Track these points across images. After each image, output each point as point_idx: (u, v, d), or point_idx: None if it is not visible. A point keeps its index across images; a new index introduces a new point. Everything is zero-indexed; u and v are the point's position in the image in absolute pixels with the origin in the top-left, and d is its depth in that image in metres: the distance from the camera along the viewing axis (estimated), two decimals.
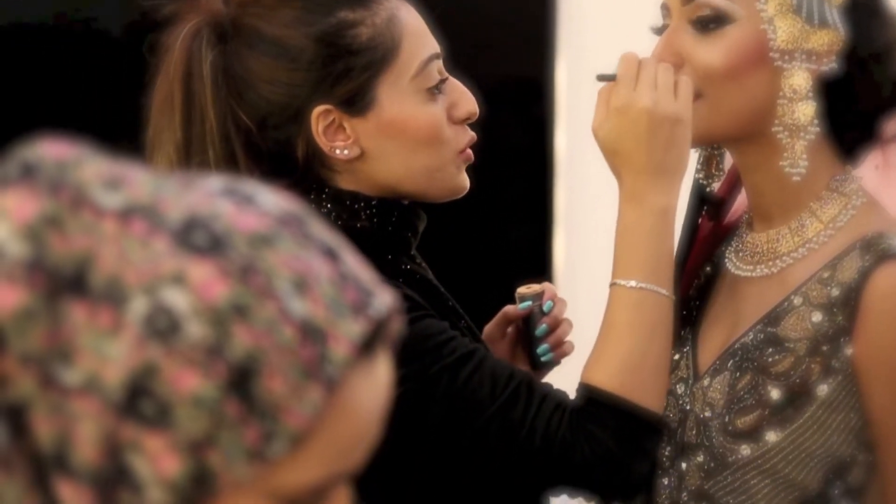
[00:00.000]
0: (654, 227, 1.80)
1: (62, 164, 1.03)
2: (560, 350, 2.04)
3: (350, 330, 1.01)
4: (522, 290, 2.05)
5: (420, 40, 1.83)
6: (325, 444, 1.01)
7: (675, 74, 1.80)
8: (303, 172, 1.82)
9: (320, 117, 1.79)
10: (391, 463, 1.64)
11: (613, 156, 1.82)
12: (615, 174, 1.83)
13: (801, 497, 1.77)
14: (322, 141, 1.80)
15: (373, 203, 1.83)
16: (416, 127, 1.81)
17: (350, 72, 1.78)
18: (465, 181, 1.88)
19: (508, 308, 2.04)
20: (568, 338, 2.05)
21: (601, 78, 1.84)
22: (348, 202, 1.82)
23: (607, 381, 1.74)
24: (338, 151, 1.80)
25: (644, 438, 1.74)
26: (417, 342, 1.71)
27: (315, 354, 1.00)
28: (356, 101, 1.79)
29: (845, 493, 1.78)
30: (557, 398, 1.75)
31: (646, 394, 1.74)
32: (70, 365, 0.99)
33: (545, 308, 2.03)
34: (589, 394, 1.74)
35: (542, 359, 2.03)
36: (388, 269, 1.77)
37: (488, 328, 2.05)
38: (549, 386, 1.80)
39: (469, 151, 1.88)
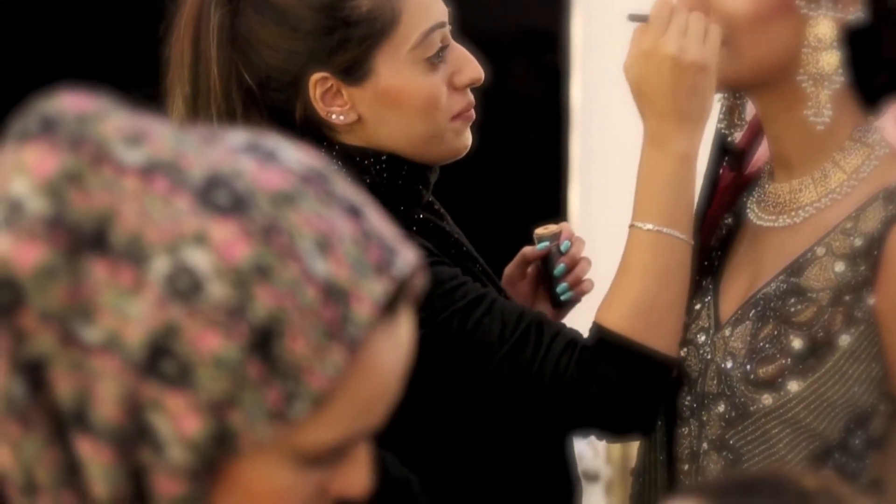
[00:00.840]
0: (675, 172, 1.79)
1: (83, 117, 1.00)
2: (579, 288, 2.03)
3: (373, 290, 0.99)
4: (540, 230, 2.04)
5: (423, 11, 1.82)
6: (346, 404, 0.99)
7: (707, 22, 1.78)
8: (302, 132, 1.81)
9: (318, 83, 1.80)
10: (408, 408, 1.60)
11: (639, 97, 1.82)
12: (641, 116, 1.83)
13: (822, 446, 1.75)
14: (319, 106, 1.81)
15: (382, 158, 1.83)
16: (411, 97, 1.82)
17: (347, 42, 1.79)
18: (466, 142, 1.88)
19: (526, 249, 2.04)
20: (587, 276, 2.04)
21: (632, 18, 1.83)
22: (357, 158, 1.82)
23: (618, 322, 1.74)
24: (334, 116, 1.81)
25: (652, 380, 1.74)
26: (428, 288, 1.68)
27: (337, 315, 0.97)
28: (353, 71, 1.80)
29: (866, 442, 1.76)
30: (568, 337, 1.75)
31: (656, 336, 1.74)
32: (91, 323, 0.97)
33: (562, 248, 2.03)
34: (600, 334, 1.74)
35: (562, 297, 2.02)
36: (401, 221, 1.73)
37: (508, 269, 2.05)
38: (561, 325, 1.80)
39: (471, 112, 1.87)
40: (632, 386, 1.72)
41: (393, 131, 1.82)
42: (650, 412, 1.75)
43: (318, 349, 0.97)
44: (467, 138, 1.87)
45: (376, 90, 1.80)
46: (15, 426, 0.98)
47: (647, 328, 1.73)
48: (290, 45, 1.79)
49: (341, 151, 1.82)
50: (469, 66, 1.86)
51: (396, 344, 1.02)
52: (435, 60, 1.82)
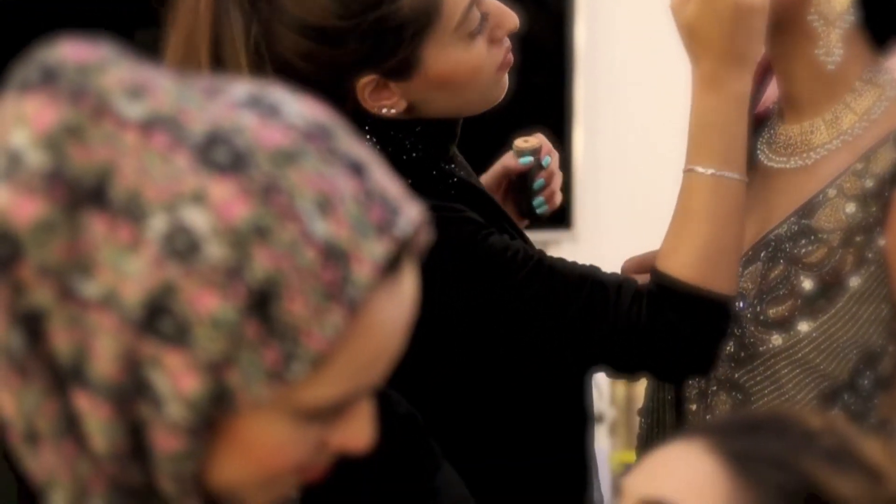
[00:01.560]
0: (732, 113, 1.74)
1: (84, 68, 0.97)
2: (552, 202, 2.05)
3: (374, 251, 0.96)
4: (519, 142, 2.03)
5: None
6: (346, 363, 0.97)
7: None
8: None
9: (366, 86, 1.72)
10: (480, 377, 1.68)
11: (692, 38, 1.75)
12: (690, 56, 1.77)
13: (831, 387, 1.74)
14: (368, 104, 1.74)
15: (417, 130, 1.77)
16: (460, 73, 1.76)
17: (396, 47, 1.71)
18: (505, 87, 1.83)
19: (508, 162, 2.02)
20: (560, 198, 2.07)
21: None
22: (392, 132, 1.77)
23: (685, 270, 1.70)
24: (384, 111, 1.74)
25: (718, 323, 1.72)
26: (487, 264, 1.69)
27: (337, 277, 0.95)
28: (402, 69, 1.73)
29: (874, 383, 1.74)
30: (633, 288, 1.72)
31: (722, 280, 1.71)
32: (89, 278, 0.95)
33: (544, 163, 2.03)
34: (666, 282, 1.71)
35: (538, 211, 2.04)
36: (439, 185, 1.75)
37: (486, 179, 2.03)
38: (618, 276, 1.77)
39: (510, 57, 1.82)
40: (700, 331, 1.70)
41: (440, 106, 1.78)
42: (713, 354, 1.73)
43: (316, 311, 0.94)
44: (506, 83, 1.83)
45: (426, 78, 1.74)
46: (14, 377, 0.97)
47: (713, 273, 1.70)
48: (332, 57, 1.70)
49: (374, 127, 1.76)
50: (505, 18, 1.80)
51: (398, 303, 0.99)
52: (477, 31, 1.76)
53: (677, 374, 1.77)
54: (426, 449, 1.38)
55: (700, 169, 1.74)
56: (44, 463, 0.98)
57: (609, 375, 1.90)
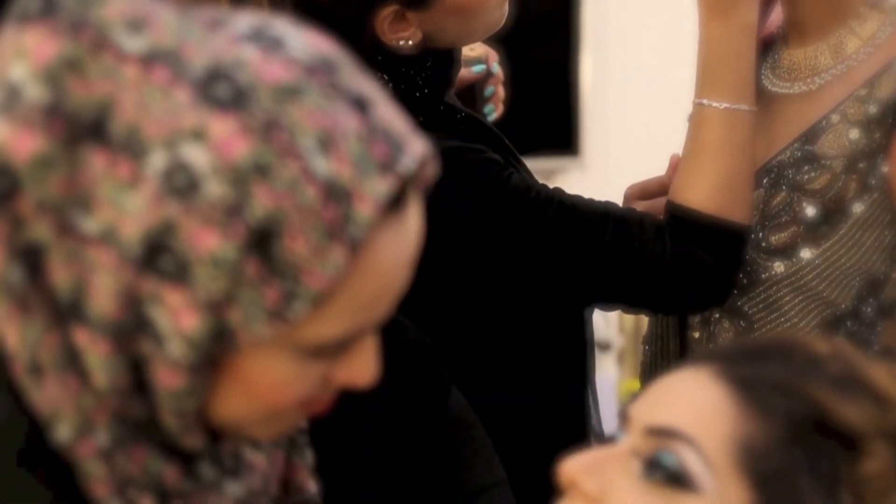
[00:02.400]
0: (741, 44, 1.72)
1: None
2: (499, 108, 2.05)
3: (376, 189, 0.94)
4: (467, 52, 2.01)
5: None
6: (348, 301, 0.96)
7: None
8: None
9: (386, 17, 1.71)
10: (491, 311, 1.67)
11: None
12: None
13: (834, 314, 1.72)
14: (387, 37, 1.72)
15: (427, 65, 1.75)
16: None
17: None
18: (506, 13, 1.82)
19: (462, 72, 1.99)
20: None
21: None
22: (403, 69, 1.75)
23: (704, 202, 1.70)
24: (402, 43, 1.73)
25: (737, 252, 1.72)
26: (513, 205, 1.69)
27: (338, 215, 0.93)
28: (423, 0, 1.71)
29: (878, 310, 1.73)
30: (654, 222, 1.72)
31: (738, 209, 1.70)
32: (88, 214, 0.93)
33: (493, 70, 2.03)
34: (687, 215, 1.71)
35: (489, 118, 2.04)
36: (448, 120, 1.73)
37: None
38: (631, 210, 1.77)
39: None
40: (722, 262, 1.70)
41: (451, 36, 1.77)
42: (732, 285, 1.73)
43: (317, 249, 0.93)
44: (507, 9, 1.82)
45: (443, 6, 1.72)
46: (15, 310, 0.96)
47: (730, 203, 1.69)
48: None
49: (384, 63, 1.73)
50: None
51: (402, 240, 0.98)
52: None
53: (698, 306, 1.76)
54: (435, 374, 1.38)
55: (713, 103, 1.72)
56: (47, 395, 0.97)
57: (626, 311, 1.90)
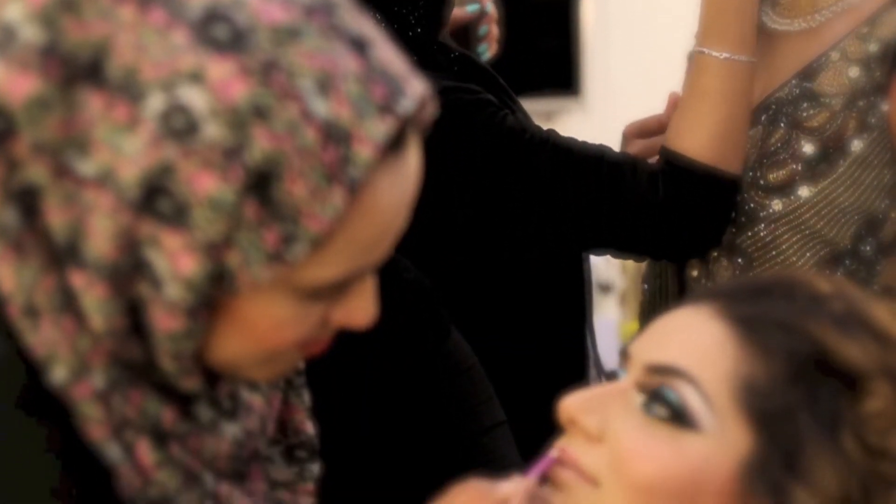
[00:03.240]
0: None
1: None
2: (493, 48, 2.04)
3: (375, 130, 0.93)
4: None
5: None
6: (347, 243, 0.95)
7: None
8: None
9: None
10: (488, 253, 1.66)
11: None
12: None
13: (832, 253, 1.72)
14: None
15: (420, 4, 1.74)
16: None
17: None
18: None
19: (456, 11, 1.99)
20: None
21: None
22: (396, 8, 1.73)
23: (700, 151, 1.69)
24: None
25: (730, 202, 1.71)
26: (507, 147, 1.68)
27: (337, 157, 0.92)
28: None
29: (877, 249, 1.72)
30: (648, 168, 1.71)
31: (732, 159, 1.70)
32: (85, 156, 0.92)
33: (487, 8, 2.02)
34: (682, 162, 1.70)
35: (483, 57, 2.02)
36: (442, 60, 1.72)
37: None
38: (626, 155, 1.76)
39: None
40: (713, 211, 1.70)
41: None
42: (721, 234, 1.73)
43: (316, 191, 0.91)
44: None
45: None
46: (10, 252, 0.95)
47: (726, 153, 1.69)
48: None
49: (378, 4, 1.71)
50: None
51: (401, 182, 0.96)
52: None
53: (686, 253, 1.76)
54: (434, 315, 1.38)
55: (714, 53, 1.71)
56: (44, 337, 0.96)
57: (615, 256, 1.89)
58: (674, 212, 1.67)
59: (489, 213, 1.68)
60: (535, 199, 1.67)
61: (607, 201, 1.67)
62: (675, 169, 1.68)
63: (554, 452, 1.02)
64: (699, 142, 1.69)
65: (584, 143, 1.72)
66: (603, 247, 1.76)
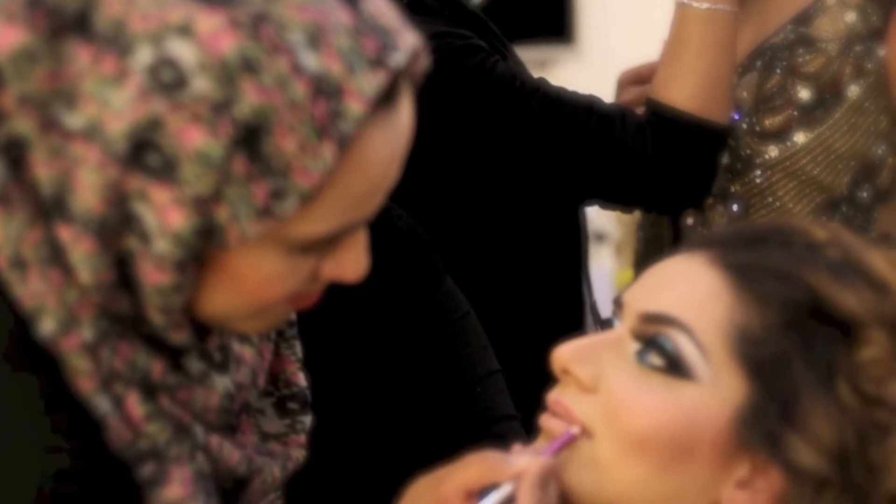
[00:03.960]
0: None
1: None
2: None
3: (367, 84, 0.92)
4: None
5: None
6: (338, 198, 0.94)
7: None
8: None
9: None
10: (482, 201, 1.66)
11: None
12: None
13: (828, 199, 1.72)
14: None
15: None
16: None
17: None
18: None
19: None
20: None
21: None
22: None
23: (685, 100, 1.69)
24: None
25: (717, 152, 1.71)
26: (497, 93, 1.67)
27: (328, 111, 0.91)
28: None
29: (874, 196, 1.72)
30: (637, 119, 1.71)
31: (718, 109, 1.70)
32: (72, 109, 0.91)
33: None
34: (668, 113, 1.70)
35: (474, 2, 1.97)
36: (430, 5, 1.72)
37: None
38: (615, 105, 1.76)
39: None
40: (700, 161, 1.69)
41: None
42: (710, 185, 1.73)
43: (306, 146, 0.90)
44: None
45: None
46: None
47: (711, 103, 1.69)
48: None
49: None
50: None
51: (393, 136, 0.95)
52: None
53: (676, 204, 1.75)
54: (427, 263, 1.37)
55: (694, 3, 1.70)
56: (31, 290, 0.96)
57: (603, 207, 1.89)
58: (661, 162, 1.67)
59: (478, 161, 1.67)
60: (523, 148, 1.67)
61: (595, 150, 1.66)
62: (662, 119, 1.68)
63: (572, 430, 1.00)
64: (683, 92, 1.69)
65: (574, 93, 1.72)
66: (591, 197, 1.76)
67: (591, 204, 1.82)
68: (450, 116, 1.63)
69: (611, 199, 1.75)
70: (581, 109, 1.68)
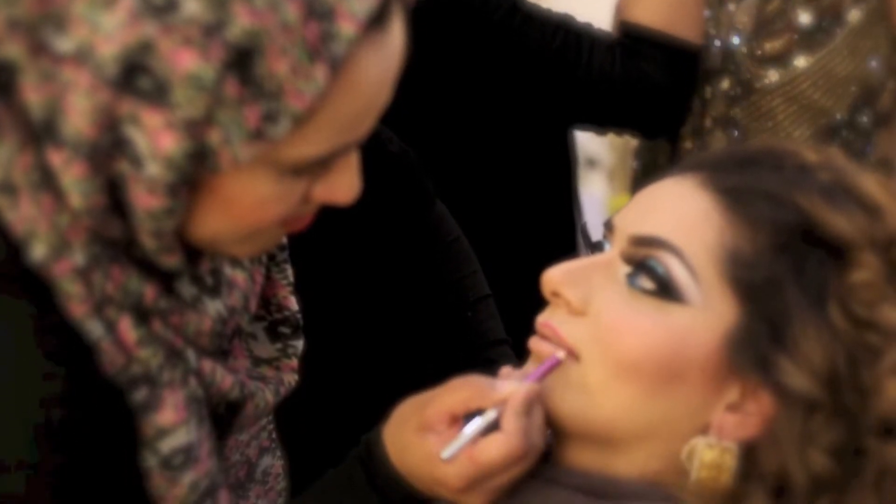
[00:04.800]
0: None
1: None
2: None
3: (358, 5, 0.91)
4: None
5: None
6: (330, 120, 0.93)
7: None
8: None
9: None
10: (467, 119, 1.67)
11: None
12: None
13: (829, 124, 1.71)
14: None
15: None
16: None
17: None
18: None
19: None
20: None
21: None
22: None
23: (652, 17, 1.69)
24: None
25: (689, 71, 1.71)
26: (464, 6, 1.68)
27: (320, 33, 0.90)
28: None
29: (874, 120, 1.71)
30: (606, 40, 1.71)
31: (688, 27, 1.70)
32: (62, 33, 0.90)
33: None
34: (634, 31, 1.70)
35: None
36: None
37: None
38: (588, 26, 1.75)
39: None
40: (673, 80, 1.69)
41: None
42: (684, 106, 1.73)
43: (298, 68, 0.90)
44: None
45: None
46: None
47: (679, 20, 1.69)
48: None
49: None
50: None
51: (385, 57, 0.95)
52: None
53: (650, 125, 1.75)
54: (419, 186, 1.37)
55: None
56: (22, 215, 0.96)
57: (579, 128, 1.90)
58: (631, 81, 1.67)
59: (458, 82, 1.67)
60: (491, 63, 1.67)
61: (563, 67, 1.66)
62: (630, 38, 1.68)
63: (558, 354, 1.01)
64: (648, 9, 1.69)
65: (549, 12, 1.71)
66: (567, 118, 1.75)
67: (574, 127, 1.83)
68: (428, 36, 1.63)
69: (584, 118, 1.75)
70: (551, 25, 1.67)
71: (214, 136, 0.91)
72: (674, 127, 1.75)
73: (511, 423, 0.98)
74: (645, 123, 1.72)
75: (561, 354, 1.00)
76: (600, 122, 1.74)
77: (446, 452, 0.98)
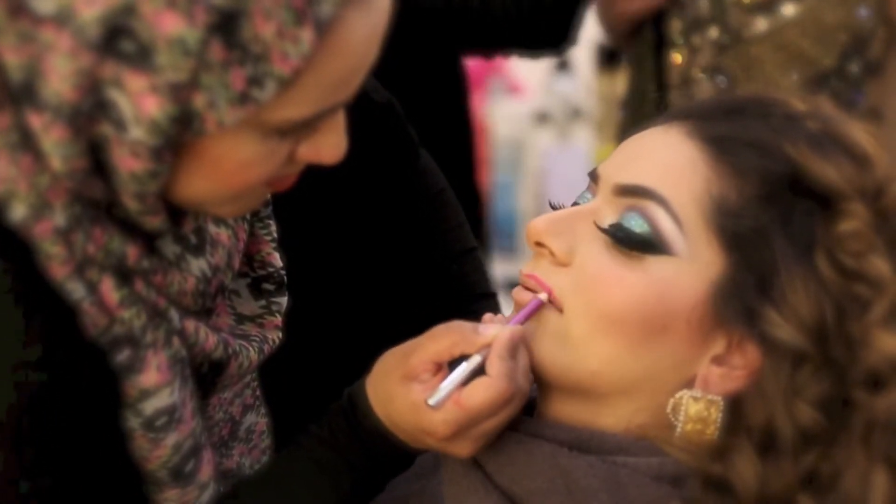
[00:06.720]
0: None
1: None
2: None
3: None
4: None
5: None
6: (315, 83, 0.93)
7: None
8: None
9: None
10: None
11: None
12: None
13: (817, 72, 1.71)
14: None
15: None
16: None
17: None
18: None
19: None
20: None
21: None
22: None
23: None
24: None
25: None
26: None
27: None
28: None
29: (865, 69, 1.71)
30: None
31: None
32: None
33: None
34: None
35: None
36: None
37: None
38: None
39: None
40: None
41: None
42: (572, 25, 1.78)
43: (284, 31, 0.90)
44: None
45: None
46: None
47: None
48: None
49: None
50: None
51: (370, 20, 0.95)
52: None
53: (541, 44, 1.81)
54: (404, 136, 1.36)
55: None
56: (1, 175, 0.96)
57: (471, 54, 1.96)
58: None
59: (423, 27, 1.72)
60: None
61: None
62: None
63: (540, 296, 1.00)
64: None
65: None
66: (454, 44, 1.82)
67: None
68: None
69: (478, 41, 1.83)
70: None
71: (199, 100, 0.91)
72: (559, 45, 1.82)
73: (496, 367, 0.98)
74: (528, 39, 1.79)
75: (543, 296, 1.00)
76: (486, 45, 1.82)
77: (433, 399, 0.98)
